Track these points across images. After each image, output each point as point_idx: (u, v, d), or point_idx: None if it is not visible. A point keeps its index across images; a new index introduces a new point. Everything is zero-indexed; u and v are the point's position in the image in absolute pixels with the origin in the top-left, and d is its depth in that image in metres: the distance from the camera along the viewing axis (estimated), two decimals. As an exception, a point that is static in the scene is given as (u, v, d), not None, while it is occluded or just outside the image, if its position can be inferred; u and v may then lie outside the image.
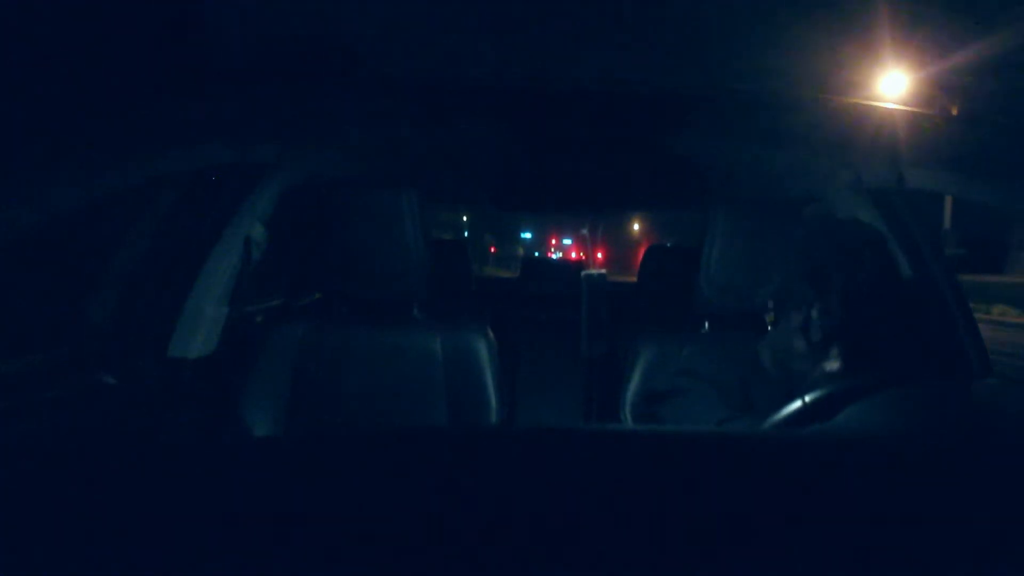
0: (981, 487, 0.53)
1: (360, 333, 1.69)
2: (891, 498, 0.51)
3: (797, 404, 0.91)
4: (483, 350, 1.65)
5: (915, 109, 1.29)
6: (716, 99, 1.28)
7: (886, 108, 1.28)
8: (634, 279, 3.12)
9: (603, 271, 1.28)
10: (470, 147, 2.09)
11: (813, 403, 0.88)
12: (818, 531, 0.46)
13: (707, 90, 1.24)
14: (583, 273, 1.23)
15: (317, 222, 1.68)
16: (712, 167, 2.14)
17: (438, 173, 2.44)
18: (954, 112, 1.37)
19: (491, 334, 1.69)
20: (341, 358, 1.67)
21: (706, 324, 1.64)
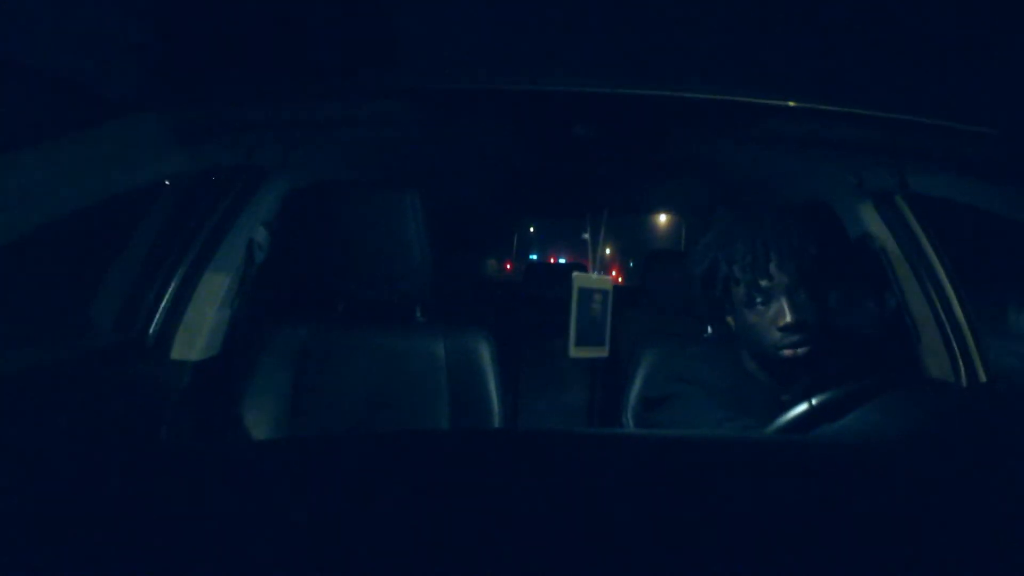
0: (982, 490, 0.53)
1: (363, 335, 1.69)
2: (893, 501, 0.51)
3: (800, 408, 0.91)
4: (486, 353, 1.65)
5: (919, 116, 1.29)
6: (721, 105, 1.28)
7: (889, 114, 1.28)
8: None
9: (606, 277, 1.28)
10: (473, 151, 2.09)
11: (815, 407, 0.88)
12: (819, 533, 0.46)
13: (712, 96, 1.24)
14: (574, 274, 1.23)
15: (320, 224, 1.68)
16: (716, 172, 2.14)
17: (441, 176, 2.44)
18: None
19: (493, 337, 1.69)
20: (344, 360, 1.67)
21: (708, 328, 1.64)
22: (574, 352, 1.26)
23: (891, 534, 0.46)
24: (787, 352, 1.23)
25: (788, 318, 1.22)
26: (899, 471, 0.57)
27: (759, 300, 1.27)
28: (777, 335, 1.24)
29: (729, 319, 1.38)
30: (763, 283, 1.26)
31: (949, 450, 0.62)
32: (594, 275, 1.35)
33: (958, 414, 0.72)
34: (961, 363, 1.62)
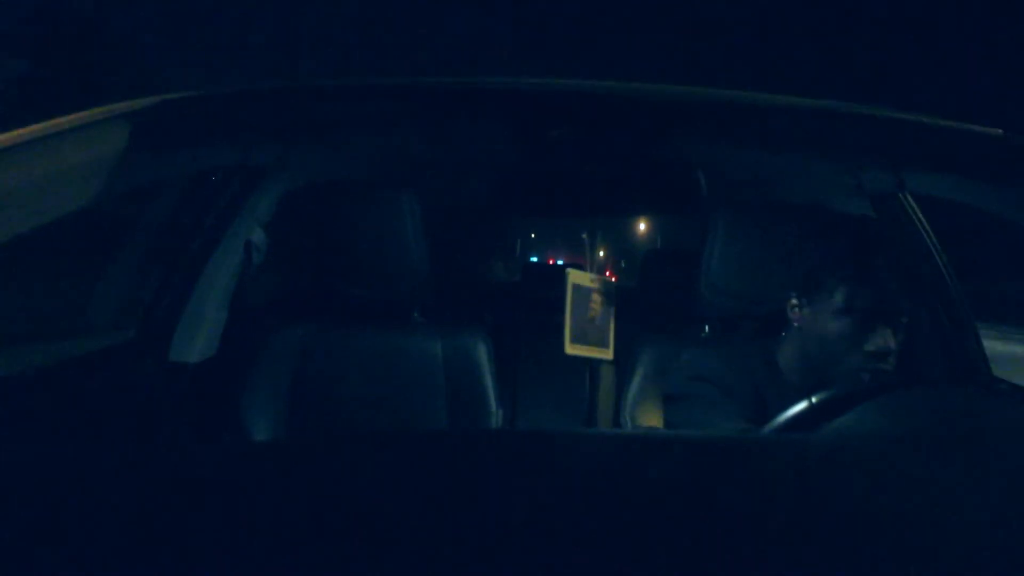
0: (983, 490, 0.52)
1: (361, 336, 1.69)
2: (893, 500, 0.51)
3: (799, 407, 0.90)
4: (483, 353, 1.65)
5: (917, 115, 1.29)
6: (719, 104, 1.28)
7: (887, 113, 1.28)
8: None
9: (607, 277, 1.27)
10: (469, 151, 2.09)
11: (815, 406, 0.87)
12: (819, 534, 0.46)
13: (710, 95, 1.24)
14: (568, 270, 1.22)
15: (318, 225, 1.68)
16: (714, 171, 2.14)
17: (438, 177, 2.44)
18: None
19: (491, 338, 1.69)
20: (341, 361, 1.67)
21: (706, 328, 1.64)
22: (570, 349, 1.25)
23: (891, 534, 0.45)
24: (867, 376, 1.22)
25: (883, 344, 1.21)
26: (899, 471, 0.57)
27: (855, 318, 1.25)
28: (863, 357, 1.23)
29: (796, 312, 1.36)
30: (870, 302, 1.24)
31: (949, 450, 0.61)
32: (592, 275, 1.34)
33: (958, 414, 0.71)
34: (961, 363, 1.62)
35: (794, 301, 1.37)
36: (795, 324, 1.36)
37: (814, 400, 0.87)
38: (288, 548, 0.43)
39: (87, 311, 1.59)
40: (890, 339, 1.22)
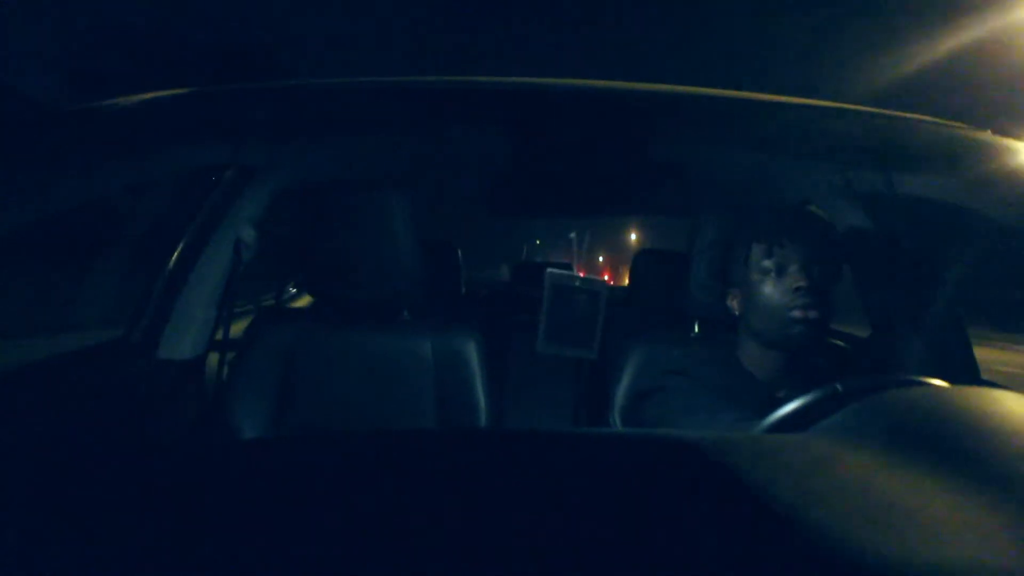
0: (975, 491, 0.53)
1: (350, 336, 1.69)
2: (889, 501, 0.51)
3: (791, 406, 0.91)
4: (473, 353, 1.65)
5: (906, 115, 1.30)
6: (708, 104, 1.29)
7: (877, 113, 1.29)
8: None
9: (597, 278, 1.27)
10: (461, 151, 2.09)
11: (807, 405, 0.88)
12: (815, 534, 0.46)
13: (699, 95, 1.24)
14: (547, 271, 1.22)
15: (308, 224, 1.67)
16: (703, 172, 2.15)
17: (430, 177, 2.44)
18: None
19: (480, 337, 1.68)
20: (331, 360, 1.66)
21: (696, 327, 1.65)
22: (542, 347, 1.24)
23: (889, 535, 0.46)
24: (797, 313, 1.25)
25: (802, 282, 1.25)
26: (894, 471, 0.57)
27: (774, 270, 1.29)
28: (789, 297, 1.26)
29: (733, 302, 1.39)
30: (778, 251, 1.28)
31: (940, 450, 0.62)
32: (576, 274, 1.34)
33: (952, 413, 0.72)
34: (955, 362, 1.63)
35: (730, 297, 1.40)
36: (736, 314, 1.39)
37: (804, 400, 0.88)
38: (276, 547, 0.43)
39: (77, 308, 1.59)
40: (803, 278, 1.25)
